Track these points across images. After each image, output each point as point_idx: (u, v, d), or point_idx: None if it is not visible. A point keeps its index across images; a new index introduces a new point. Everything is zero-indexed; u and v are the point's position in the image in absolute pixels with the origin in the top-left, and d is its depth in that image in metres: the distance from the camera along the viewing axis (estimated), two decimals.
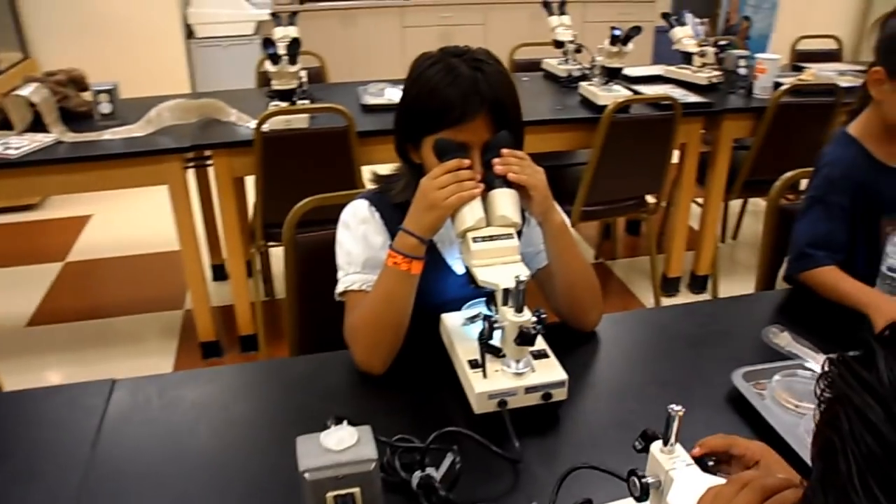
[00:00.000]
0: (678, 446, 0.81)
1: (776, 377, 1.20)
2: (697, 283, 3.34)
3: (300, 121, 2.56)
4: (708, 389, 1.19)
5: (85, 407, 1.17)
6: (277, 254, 3.12)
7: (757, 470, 0.85)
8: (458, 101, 1.17)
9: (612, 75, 2.90)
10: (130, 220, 4.19)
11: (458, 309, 1.28)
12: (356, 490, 0.81)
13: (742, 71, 3.29)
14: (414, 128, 1.25)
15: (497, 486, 1.00)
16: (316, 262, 1.57)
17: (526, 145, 1.26)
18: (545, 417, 1.12)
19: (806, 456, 1.01)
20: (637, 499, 0.81)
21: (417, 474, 0.96)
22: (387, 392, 1.21)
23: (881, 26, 1.52)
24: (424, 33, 5.86)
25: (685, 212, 3.17)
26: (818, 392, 0.50)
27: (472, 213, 1.14)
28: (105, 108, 2.71)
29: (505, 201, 1.16)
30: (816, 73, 3.36)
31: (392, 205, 1.33)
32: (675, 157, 3.00)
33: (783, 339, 1.29)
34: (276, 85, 2.56)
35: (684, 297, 3.33)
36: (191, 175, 2.86)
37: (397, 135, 1.32)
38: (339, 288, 1.31)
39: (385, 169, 1.42)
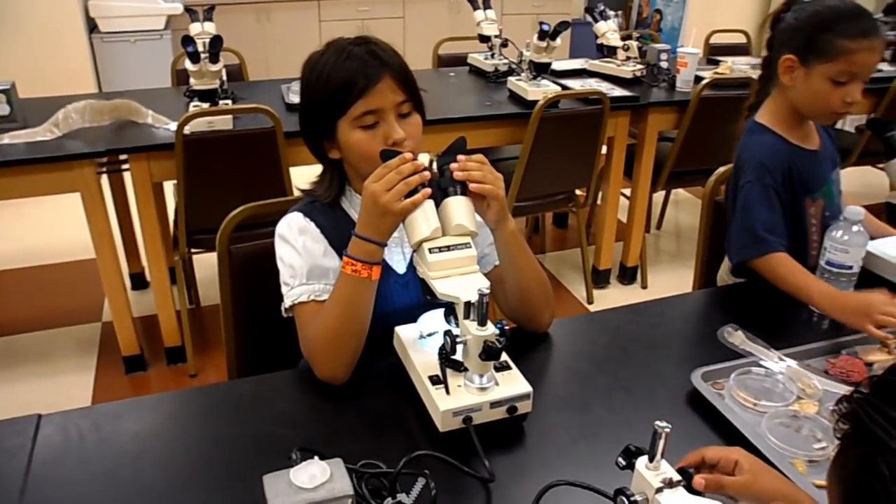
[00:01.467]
0: (664, 462, 0.79)
1: (733, 376, 1.21)
2: (627, 274, 3.39)
3: (223, 122, 2.44)
4: (669, 392, 1.19)
5: (7, 449, 1.06)
6: (201, 260, 2.99)
7: (740, 473, 0.85)
8: (360, 70, 1.18)
9: (541, 70, 2.90)
10: (34, 228, 3.92)
11: (405, 316, 1.24)
12: None
13: (664, 64, 3.35)
14: (324, 118, 1.23)
15: (468, 499, 0.96)
16: (252, 273, 1.49)
17: None
18: (511, 432, 1.09)
19: (769, 453, 1.02)
20: None
21: (389, 502, 0.91)
22: (343, 413, 1.15)
23: (773, 20, 1.61)
24: (342, 27, 5.72)
25: (614, 204, 3.21)
26: (837, 429, 0.48)
27: (427, 222, 1.09)
28: (2, 109, 2.50)
29: (460, 209, 1.12)
30: (732, 66, 3.46)
31: (325, 213, 1.30)
32: (602, 150, 3.03)
33: (737, 337, 1.30)
34: (197, 85, 2.43)
35: (615, 289, 3.38)
36: (104, 180, 2.69)
37: (309, 137, 1.29)
38: (287, 302, 1.25)
39: (306, 182, 1.38)
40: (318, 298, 1.23)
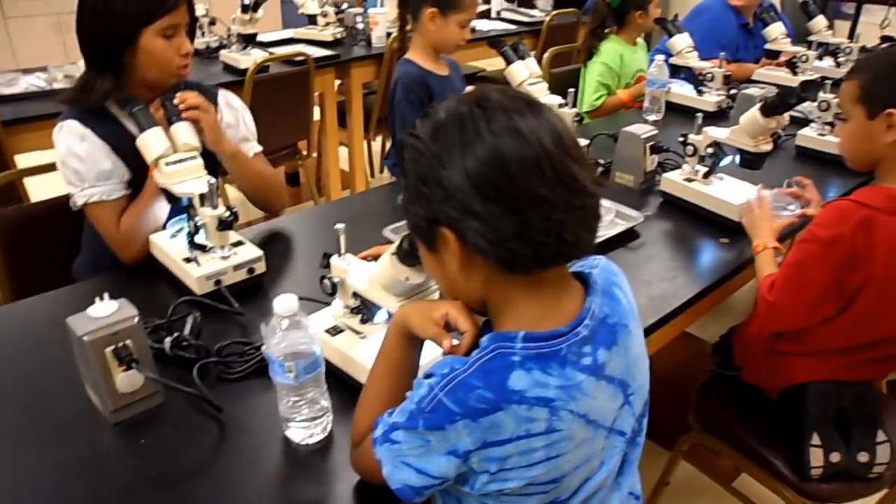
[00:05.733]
0: (349, 255, 1.21)
1: None
2: None
3: None
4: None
5: None
6: None
7: None
8: None
9: (249, 41, 3.21)
10: None
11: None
12: (129, 341, 1.07)
13: (360, 25, 3.81)
14: (131, 26, 1.46)
15: (229, 333, 1.31)
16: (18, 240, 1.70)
17: None
18: (252, 290, 1.46)
19: None
20: (329, 294, 1.20)
21: (168, 339, 1.23)
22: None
23: None
24: (32, 23, 5.47)
25: (334, 154, 3.65)
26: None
27: (159, 143, 1.41)
28: None
29: (185, 131, 1.45)
30: None
31: (97, 120, 1.52)
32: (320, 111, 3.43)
33: None
34: None
35: None
36: None
37: (104, 42, 1.48)
38: (79, 201, 1.52)
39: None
40: (109, 198, 1.52)
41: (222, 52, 3.32)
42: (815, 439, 1.49)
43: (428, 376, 0.84)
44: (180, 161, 1.42)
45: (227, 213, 1.38)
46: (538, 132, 0.78)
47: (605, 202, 1.76)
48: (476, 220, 0.78)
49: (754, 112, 1.68)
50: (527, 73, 2.06)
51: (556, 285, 0.86)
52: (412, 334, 0.95)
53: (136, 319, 1.09)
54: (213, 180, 1.38)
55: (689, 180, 1.85)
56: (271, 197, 1.76)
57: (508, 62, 2.06)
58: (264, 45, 3.54)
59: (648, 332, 1.43)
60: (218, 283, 1.40)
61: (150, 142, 1.41)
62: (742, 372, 1.68)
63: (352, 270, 1.17)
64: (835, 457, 1.48)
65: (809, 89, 1.62)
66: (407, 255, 1.00)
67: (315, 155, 3.70)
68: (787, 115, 1.71)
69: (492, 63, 4.76)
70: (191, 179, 1.42)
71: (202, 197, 1.38)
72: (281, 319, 1.00)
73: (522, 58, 2.08)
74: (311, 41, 3.69)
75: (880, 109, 1.35)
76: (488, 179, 0.77)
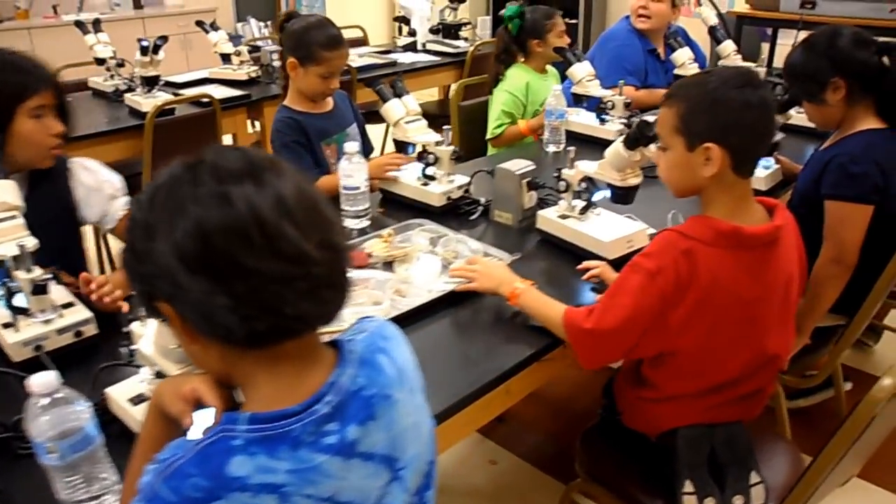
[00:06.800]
0: (150, 320, 1.13)
1: None
2: None
3: None
4: None
5: None
6: None
7: None
8: (41, 72, 1.53)
9: (152, 83, 3.14)
10: None
11: None
12: None
13: (276, 63, 3.75)
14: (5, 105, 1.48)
15: None
16: None
17: None
18: (84, 354, 1.37)
19: None
20: (129, 361, 1.13)
21: None
22: None
23: (280, 26, 2.23)
24: None
25: None
26: None
27: None
28: None
29: (4, 190, 1.37)
30: None
31: None
32: None
33: None
34: None
35: None
36: None
37: None
38: None
39: None
40: None
41: (126, 94, 3.25)
42: (688, 486, 1.43)
43: (155, 461, 0.76)
44: None
45: (44, 276, 1.30)
46: (251, 198, 0.72)
47: (474, 244, 1.72)
48: (186, 294, 0.71)
49: (617, 145, 1.64)
50: (403, 111, 2.01)
51: (299, 359, 0.79)
52: (166, 410, 0.88)
53: None
54: (28, 242, 1.30)
55: (565, 217, 1.80)
56: None
57: (384, 101, 2.02)
58: (176, 87, 3.48)
59: (510, 374, 1.40)
60: (38, 348, 1.31)
61: None
62: (623, 416, 1.62)
63: (146, 336, 1.10)
64: (709, 503, 1.42)
65: None
66: None
67: None
68: (653, 147, 1.66)
69: (418, 96, 4.75)
70: (4, 241, 1.33)
71: (15, 259, 1.30)
72: (38, 399, 0.92)
73: (399, 95, 2.03)
74: (225, 81, 3.62)
75: (699, 142, 1.32)
76: (192, 250, 0.71)
